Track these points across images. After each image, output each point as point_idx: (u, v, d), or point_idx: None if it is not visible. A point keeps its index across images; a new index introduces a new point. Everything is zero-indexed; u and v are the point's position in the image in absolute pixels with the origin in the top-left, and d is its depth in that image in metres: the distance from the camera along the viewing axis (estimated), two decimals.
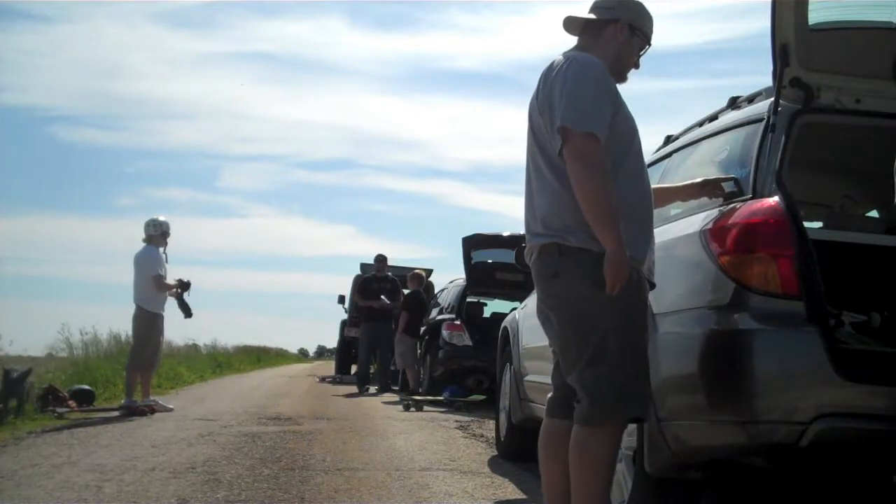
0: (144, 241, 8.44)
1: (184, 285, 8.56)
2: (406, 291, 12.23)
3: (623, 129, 2.58)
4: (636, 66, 2.75)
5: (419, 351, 12.68)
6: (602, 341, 2.47)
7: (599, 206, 2.41)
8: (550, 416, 2.74)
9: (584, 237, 2.47)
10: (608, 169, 2.45)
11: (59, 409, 7.59)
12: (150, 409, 7.98)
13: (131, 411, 7.86)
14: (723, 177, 3.02)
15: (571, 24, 2.74)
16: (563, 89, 2.48)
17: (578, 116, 2.44)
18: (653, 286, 2.65)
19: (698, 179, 3.04)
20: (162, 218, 8.48)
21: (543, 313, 2.71)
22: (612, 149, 2.50)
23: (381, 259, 12.29)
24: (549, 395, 2.80)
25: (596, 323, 2.48)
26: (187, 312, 8.62)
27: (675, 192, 3.12)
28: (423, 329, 12.08)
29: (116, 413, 7.90)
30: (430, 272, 16.79)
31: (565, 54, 2.64)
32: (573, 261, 2.50)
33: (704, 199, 3.03)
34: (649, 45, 2.75)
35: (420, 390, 10.96)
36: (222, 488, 4.12)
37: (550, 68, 2.59)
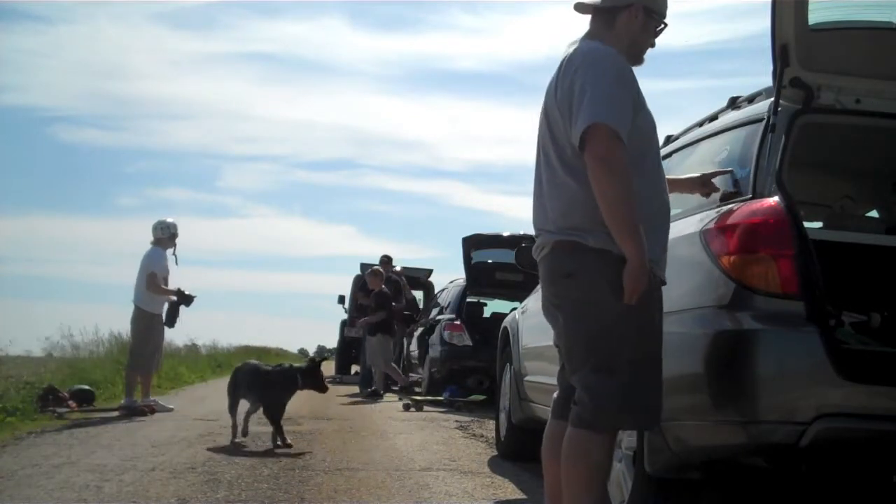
0: (153, 242, 8.45)
1: (185, 298, 8.44)
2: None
3: (644, 127, 2.50)
4: (652, 45, 2.65)
5: (410, 349, 12.67)
6: (614, 348, 2.41)
7: (623, 213, 2.34)
8: (556, 417, 2.70)
9: (603, 238, 2.40)
10: (630, 172, 2.37)
11: (59, 410, 7.59)
12: (150, 409, 7.98)
13: (131, 411, 7.86)
14: (719, 171, 3.00)
15: (584, 6, 2.62)
16: (585, 87, 2.39)
17: (601, 117, 2.35)
18: (663, 283, 2.59)
19: (697, 174, 3.02)
20: (170, 220, 8.51)
21: (550, 311, 2.65)
22: (633, 148, 2.41)
23: (385, 260, 12.28)
24: (555, 395, 2.76)
25: (610, 329, 2.42)
26: (170, 322, 8.50)
27: (673, 184, 2.98)
28: (422, 329, 12.08)
29: (116, 413, 7.90)
30: (430, 272, 16.84)
31: (582, 44, 2.54)
32: (590, 261, 2.43)
33: (704, 199, 3.03)
34: (665, 24, 2.65)
35: (418, 390, 10.97)
36: (222, 488, 4.12)
37: (570, 61, 2.49)
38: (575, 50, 2.53)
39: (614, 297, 2.38)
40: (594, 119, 2.35)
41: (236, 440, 5.84)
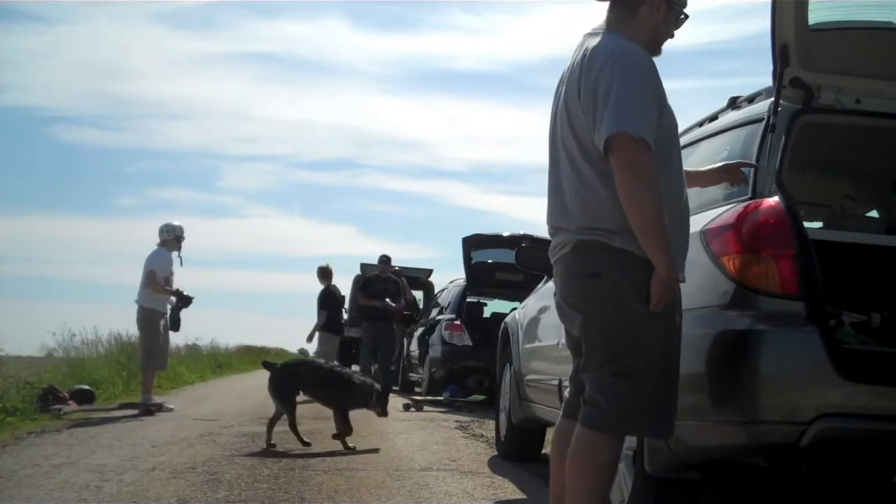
0: (158, 244, 8.66)
1: (183, 299, 8.60)
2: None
3: (667, 126, 2.45)
4: (671, 36, 2.59)
5: (410, 349, 12.65)
6: (634, 354, 2.38)
7: (652, 224, 2.30)
8: (567, 416, 2.65)
9: (630, 240, 2.35)
10: (658, 181, 2.32)
11: (65, 409, 7.64)
12: (156, 408, 8.08)
13: (145, 409, 8.01)
14: (743, 161, 2.93)
15: None
16: (610, 91, 2.31)
17: (627, 124, 2.28)
18: (681, 281, 2.52)
19: (719, 164, 2.95)
20: (176, 223, 8.79)
21: (566, 311, 2.59)
22: (659, 148, 2.36)
23: (384, 260, 12.28)
24: (567, 395, 2.73)
25: (633, 333, 2.38)
26: (175, 326, 8.70)
27: (695, 177, 2.91)
28: (422, 329, 12.09)
29: (136, 411, 8.03)
30: (430, 272, 16.85)
31: (602, 38, 2.45)
32: (615, 263, 2.38)
33: (705, 199, 3.03)
34: (686, 16, 2.58)
35: (418, 389, 10.97)
36: (222, 488, 4.12)
37: (592, 59, 2.39)
38: (597, 46, 2.44)
39: (638, 301, 2.35)
40: (620, 127, 2.29)
41: (273, 443, 5.66)
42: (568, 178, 2.48)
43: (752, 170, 2.87)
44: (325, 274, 11.05)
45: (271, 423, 5.78)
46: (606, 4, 2.55)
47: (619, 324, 2.40)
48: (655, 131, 2.35)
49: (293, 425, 5.69)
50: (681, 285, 2.53)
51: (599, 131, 2.33)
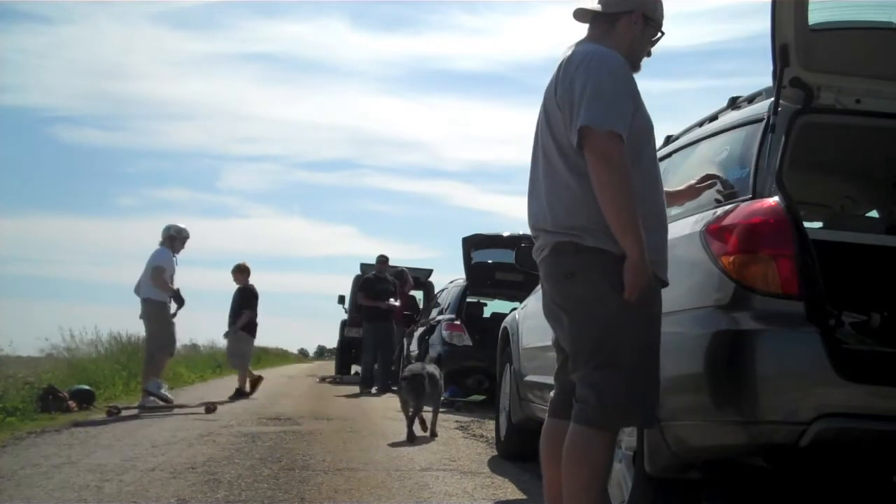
0: (160, 243, 8.91)
1: (179, 299, 8.80)
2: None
3: (641, 127, 2.52)
4: (648, 54, 2.69)
5: (410, 349, 12.65)
6: (617, 346, 2.43)
7: (623, 210, 2.36)
8: (553, 416, 2.71)
9: (603, 237, 2.42)
10: (630, 171, 2.39)
11: (122, 406, 7.93)
12: (213, 406, 8.30)
13: (207, 407, 8.26)
14: (711, 175, 3.02)
15: (583, 13, 2.65)
16: (585, 85, 2.41)
17: (602, 115, 2.37)
18: (665, 284, 2.59)
19: (693, 181, 3.04)
20: (181, 225, 9.02)
21: (552, 311, 2.65)
22: (630, 147, 2.43)
23: (382, 260, 12.31)
24: (552, 394, 2.77)
25: (612, 327, 2.43)
26: None
27: (674, 196, 3.04)
28: (422, 329, 12.08)
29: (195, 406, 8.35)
30: (430, 272, 16.85)
31: (582, 46, 2.57)
32: (590, 261, 2.45)
33: (703, 200, 3.04)
34: (662, 33, 2.68)
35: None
36: (222, 488, 4.12)
37: (569, 62, 2.51)
38: (576, 51, 2.55)
39: (616, 295, 2.39)
40: (594, 118, 2.37)
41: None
42: (548, 179, 2.56)
43: (752, 171, 2.87)
44: (243, 271, 10.75)
45: (411, 419, 6.28)
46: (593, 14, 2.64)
47: (601, 319, 2.46)
48: (628, 126, 2.41)
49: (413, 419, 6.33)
50: (680, 285, 2.55)
51: (574, 124, 2.41)
